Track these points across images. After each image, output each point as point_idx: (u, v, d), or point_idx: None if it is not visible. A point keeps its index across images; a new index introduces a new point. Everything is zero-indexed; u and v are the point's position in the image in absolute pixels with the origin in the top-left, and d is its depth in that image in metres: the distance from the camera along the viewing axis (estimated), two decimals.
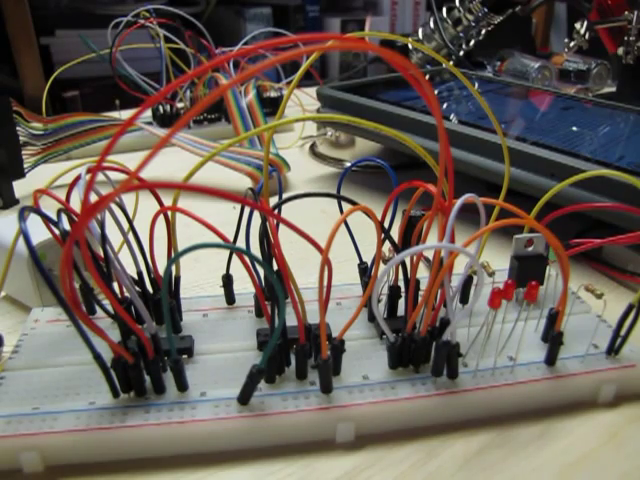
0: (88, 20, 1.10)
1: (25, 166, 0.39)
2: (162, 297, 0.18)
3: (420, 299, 0.20)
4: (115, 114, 0.52)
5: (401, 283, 0.23)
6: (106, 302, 0.21)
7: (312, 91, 0.61)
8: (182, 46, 0.54)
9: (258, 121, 0.48)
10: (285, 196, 0.21)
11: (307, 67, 0.22)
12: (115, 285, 0.21)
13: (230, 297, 0.25)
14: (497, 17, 0.63)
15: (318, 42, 0.16)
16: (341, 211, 0.23)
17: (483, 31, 0.66)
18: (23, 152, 0.39)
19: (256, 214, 0.23)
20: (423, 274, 0.22)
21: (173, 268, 0.23)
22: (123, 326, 0.19)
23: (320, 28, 1.50)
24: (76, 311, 0.17)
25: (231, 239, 0.23)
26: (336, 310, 0.24)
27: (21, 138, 0.39)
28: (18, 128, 0.39)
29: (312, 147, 0.51)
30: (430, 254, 0.26)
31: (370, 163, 0.24)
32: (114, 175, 0.22)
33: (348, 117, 0.22)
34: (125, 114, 0.54)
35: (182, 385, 0.20)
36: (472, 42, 0.67)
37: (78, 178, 0.20)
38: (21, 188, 0.39)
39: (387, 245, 0.23)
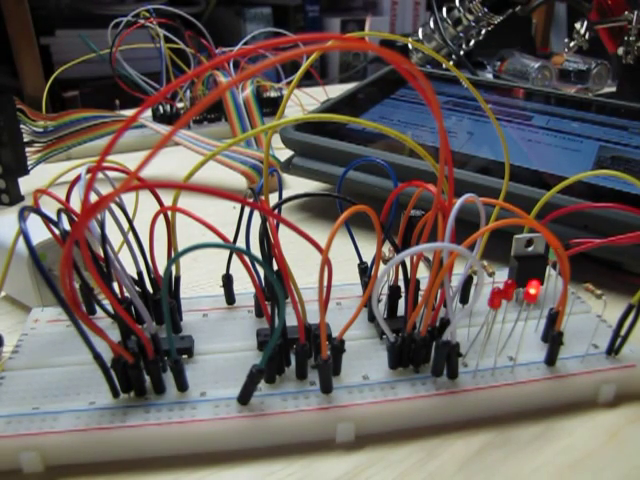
0: (88, 20, 1.10)
1: (28, 163, 0.39)
2: (162, 297, 0.18)
3: (420, 299, 0.20)
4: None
5: (401, 283, 0.23)
6: (106, 302, 0.21)
7: (312, 91, 0.61)
8: (182, 46, 0.54)
9: (254, 118, 0.48)
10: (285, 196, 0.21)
11: (307, 67, 0.22)
12: (115, 285, 0.21)
13: (230, 297, 0.25)
14: (497, 17, 0.63)
15: (318, 42, 0.16)
16: (341, 211, 0.23)
17: (483, 31, 0.66)
18: (26, 149, 0.39)
19: (256, 214, 0.23)
20: (423, 274, 0.22)
21: (173, 268, 0.23)
22: (123, 326, 0.19)
23: (320, 28, 1.50)
24: (76, 311, 0.17)
25: (231, 239, 0.23)
26: (336, 310, 0.24)
27: (24, 136, 0.39)
28: (21, 126, 0.39)
29: None
30: (430, 254, 0.26)
31: None
32: (114, 175, 0.22)
33: (348, 118, 0.22)
34: (125, 114, 0.54)
35: (182, 385, 0.20)
36: (472, 42, 0.67)
37: (78, 178, 0.20)
38: (22, 187, 0.39)
39: (387, 245, 0.23)
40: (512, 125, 0.39)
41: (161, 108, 0.53)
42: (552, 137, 0.37)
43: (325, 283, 0.19)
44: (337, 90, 0.49)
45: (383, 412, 0.19)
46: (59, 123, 0.42)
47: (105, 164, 0.21)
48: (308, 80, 0.57)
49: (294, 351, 0.20)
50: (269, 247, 0.21)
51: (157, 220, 0.21)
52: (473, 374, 0.21)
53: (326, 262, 0.18)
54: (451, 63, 0.58)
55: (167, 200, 0.22)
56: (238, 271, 0.22)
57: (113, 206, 0.21)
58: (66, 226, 0.21)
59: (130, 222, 0.22)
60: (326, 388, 0.20)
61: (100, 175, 0.17)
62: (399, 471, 0.18)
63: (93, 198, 0.17)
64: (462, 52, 0.67)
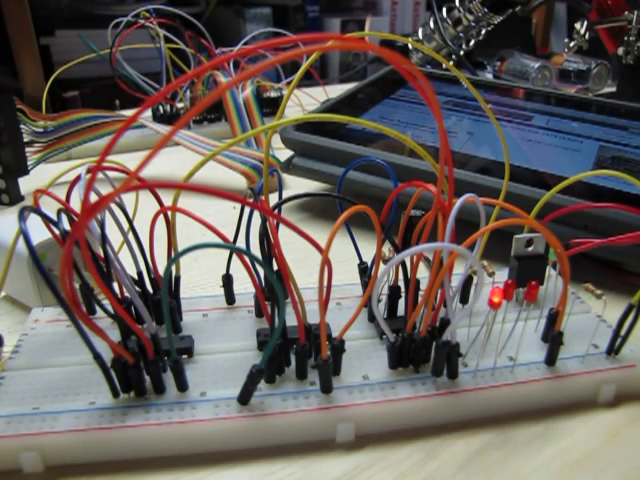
0: (88, 20, 1.10)
1: (28, 163, 0.39)
2: (162, 297, 0.18)
3: (420, 299, 0.20)
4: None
5: (401, 283, 0.23)
6: (106, 302, 0.21)
7: (312, 91, 0.61)
8: (182, 46, 0.54)
9: (254, 118, 0.48)
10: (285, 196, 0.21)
11: (307, 67, 0.22)
12: (115, 285, 0.21)
13: (230, 297, 0.25)
14: (497, 17, 0.63)
15: (318, 42, 0.16)
16: (341, 211, 0.23)
17: (483, 31, 0.66)
18: (26, 149, 0.39)
19: (256, 214, 0.23)
20: (423, 274, 0.22)
21: (173, 268, 0.23)
22: (123, 326, 0.19)
23: (320, 28, 1.50)
24: (76, 311, 0.17)
25: (231, 239, 0.23)
26: (336, 310, 0.24)
27: (24, 136, 0.39)
28: (21, 126, 0.39)
29: None
30: (430, 254, 0.26)
31: None
32: (114, 175, 0.22)
33: (348, 118, 0.22)
34: (125, 114, 0.54)
35: (182, 385, 0.20)
36: (472, 42, 0.67)
37: (78, 178, 0.20)
38: (22, 187, 0.39)
39: (387, 245, 0.23)
40: (512, 125, 0.39)
41: (161, 108, 0.54)
42: (552, 137, 0.37)
43: (325, 283, 0.19)
44: (337, 90, 0.49)
45: (383, 412, 0.19)
46: (59, 123, 0.42)
47: (105, 164, 0.21)
48: (308, 80, 0.57)
49: (294, 351, 0.20)
50: (269, 247, 0.21)
51: (157, 220, 0.21)
52: (473, 374, 0.21)
53: (326, 262, 0.18)
54: (451, 63, 0.58)
55: (167, 200, 0.22)
56: (238, 271, 0.22)
57: (113, 206, 0.21)
58: (66, 226, 0.21)
59: (130, 222, 0.22)
60: (326, 388, 0.20)
61: (100, 175, 0.17)
62: (399, 471, 0.18)
63: (93, 198, 0.17)
64: (462, 52, 0.67)
